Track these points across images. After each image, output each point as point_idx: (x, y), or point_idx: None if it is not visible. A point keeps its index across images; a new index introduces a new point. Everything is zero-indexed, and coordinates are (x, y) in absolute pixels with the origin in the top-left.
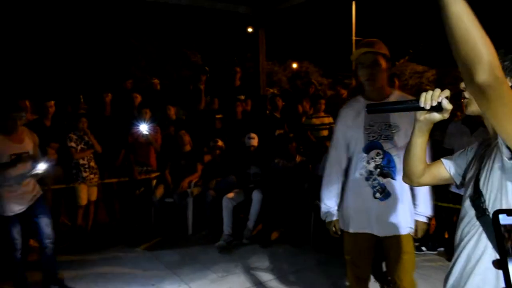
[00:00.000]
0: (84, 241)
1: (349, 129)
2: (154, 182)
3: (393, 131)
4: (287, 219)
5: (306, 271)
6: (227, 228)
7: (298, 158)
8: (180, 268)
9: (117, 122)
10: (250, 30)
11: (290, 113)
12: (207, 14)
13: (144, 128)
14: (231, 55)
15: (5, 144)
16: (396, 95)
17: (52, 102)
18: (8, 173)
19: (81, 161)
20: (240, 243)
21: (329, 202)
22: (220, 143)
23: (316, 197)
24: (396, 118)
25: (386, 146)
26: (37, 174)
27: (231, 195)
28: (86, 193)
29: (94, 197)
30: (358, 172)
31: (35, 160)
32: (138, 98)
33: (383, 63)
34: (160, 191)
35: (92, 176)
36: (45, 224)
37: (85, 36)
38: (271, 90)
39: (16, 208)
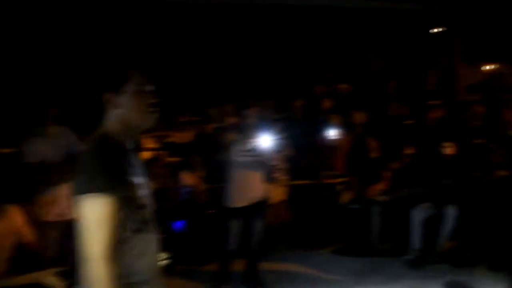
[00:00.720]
0: (271, 238)
1: None
2: (340, 187)
3: None
4: (486, 239)
5: None
6: (415, 242)
7: (501, 172)
8: (363, 277)
9: (307, 126)
10: (436, 30)
11: (492, 121)
12: (390, 16)
13: (332, 132)
14: (417, 58)
15: None
16: None
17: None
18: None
19: (273, 162)
20: (429, 260)
21: None
22: (410, 150)
23: None
24: None
25: None
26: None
27: (421, 207)
28: (275, 193)
29: (282, 197)
30: None
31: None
32: (328, 103)
33: None
34: (345, 197)
35: (281, 177)
36: (259, 229)
37: (278, 44)
38: (470, 97)
39: (239, 202)
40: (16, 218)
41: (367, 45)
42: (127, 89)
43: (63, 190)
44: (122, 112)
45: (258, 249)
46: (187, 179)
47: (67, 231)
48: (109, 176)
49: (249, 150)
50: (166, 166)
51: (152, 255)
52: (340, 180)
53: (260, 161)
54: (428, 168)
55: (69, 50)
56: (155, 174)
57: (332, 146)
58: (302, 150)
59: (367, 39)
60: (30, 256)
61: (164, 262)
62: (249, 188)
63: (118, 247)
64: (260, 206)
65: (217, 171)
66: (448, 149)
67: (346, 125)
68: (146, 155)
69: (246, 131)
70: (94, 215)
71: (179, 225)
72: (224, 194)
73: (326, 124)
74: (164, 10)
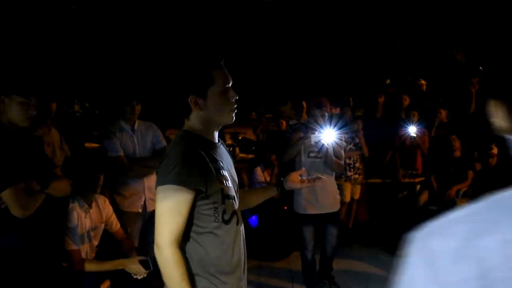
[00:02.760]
0: (345, 236)
1: None
2: (418, 187)
3: None
4: None
5: None
6: None
7: None
8: None
9: (386, 123)
10: None
11: None
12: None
13: (411, 130)
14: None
15: None
16: None
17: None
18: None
19: (347, 161)
20: None
21: None
22: (495, 150)
23: None
24: None
25: None
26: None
27: None
28: (350, 191)
29: (357, 195)
30: None
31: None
32: (407, 100)
33: None
34: (424, 197)
35: (356, 176)
36: (332, 234)
37: (352, 38)
38: None
39: (310, 209)
40: (105, 208)
41: (450, 37)
42: (212, 91)
43: (147, 183)
44: (206, 112)
45: (332, 254)
46: (260, 175)
47: (149, 222)
48: (187, 169)
49: (318, 151)
50: (239, 162)
51: (237, 247)
52: (418, 179)
53: (330, 162)
54: None
55: (155, 50)
56: None
57: (411, 144)
58: (381, 148)
59: (450, 30)
60: (116, 244)
61: None
62: (320, 195)
63: (206, 237)
64: (333, 215)
65: (288, 171)
66: None
67: (426, 123)
68: None
69: (316, 129)
70: (167, 205)
71: (253, 220)
72: (294, 197)
73: (406, 121)
74: (241, 9)
